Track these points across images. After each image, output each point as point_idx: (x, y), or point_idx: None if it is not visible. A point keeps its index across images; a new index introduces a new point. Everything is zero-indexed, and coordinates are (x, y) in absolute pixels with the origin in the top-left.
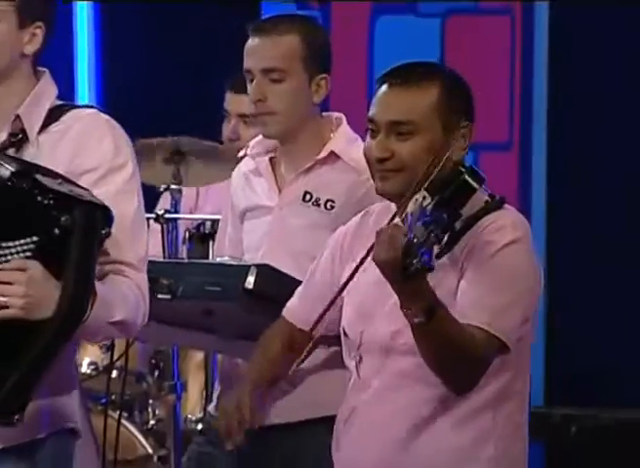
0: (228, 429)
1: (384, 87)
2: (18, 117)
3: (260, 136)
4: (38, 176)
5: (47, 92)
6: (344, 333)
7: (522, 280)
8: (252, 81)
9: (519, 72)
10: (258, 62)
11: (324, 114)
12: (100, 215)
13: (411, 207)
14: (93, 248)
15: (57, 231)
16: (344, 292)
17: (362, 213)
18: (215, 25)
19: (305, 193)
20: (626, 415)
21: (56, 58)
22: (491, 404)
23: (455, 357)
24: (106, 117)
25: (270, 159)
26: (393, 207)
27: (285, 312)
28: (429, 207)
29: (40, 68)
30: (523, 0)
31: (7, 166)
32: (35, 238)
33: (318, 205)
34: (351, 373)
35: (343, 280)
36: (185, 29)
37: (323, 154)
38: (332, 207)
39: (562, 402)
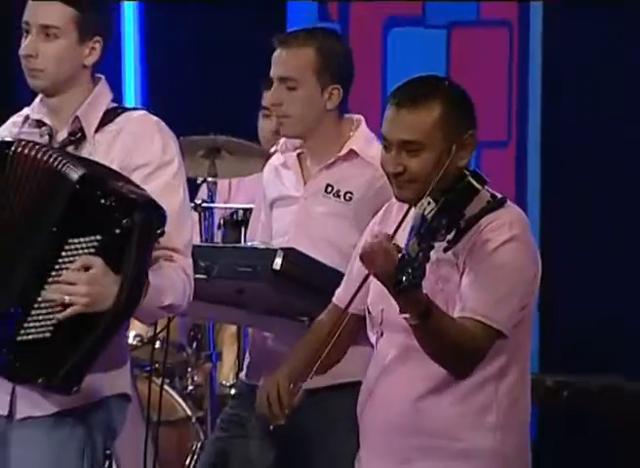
0: (271, 413)
1: (393, 107)
2: (77, 118)
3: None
4: (102, 180)
5: (103, 96)
6: (368, 311)
7: (518, 274)
8: (269, 88)
9: (516, 78)
10: (276, 71)
11: (345, 116)
12: (156, 217)
13: (416, 211)
14: (149, 246)
15: (118, 231)
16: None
17: (387, 204)
18: (243, 26)
19: (327, 185)
20: (612, 382)
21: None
22: (492, 379)
23: (452, 351)
24: (156, 118)
25: (298, 155)
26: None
27: (334, 297)
28: (433, 212)
29: (97, 75)
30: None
31: (75, 169)
32: (99, 236)
33: (338, 196)
34: (374, 347)
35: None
36: (222, 30)
37: (344, 151)
38: (350, 198)
39: (554, 369)
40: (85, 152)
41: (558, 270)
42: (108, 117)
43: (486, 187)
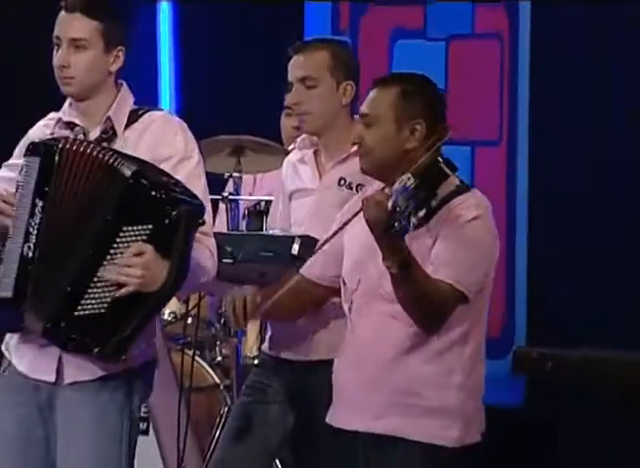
0: (235, 317)
1: None
2: (108, 118)
3: (305, 134)
4: (152, 175)
5: (127, 98)
6: (344, 282)
7: (483, 247)
8: (289, 91)
9: (507, 84)
10: (295, 73)
11: (355, 116)
12: (198, 209)
13: (397, 185)
14: (192, 235)
15: (167, 221)
16: (345, 253)
17: (360, 193)
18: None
19: (340, 179)
20: (593, 354)
21: (141, 64)
22: (457, 343)
23: (424, 302)
24: (177, 118)
25: (314, 151)
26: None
27: (304, 271)
28: (412, 186)
29: (119, 81)
30: None
31: (128, 165)
32: (150, 226)
33: (351, 188)
34: (347, 316)
35: (348, 253)
36: (247, 33)
37: (355, 148)
38: (359, 188)
39: (540, 342)
40: (117, 147)
41: (545, 253)
42: (133, 117)
43: (456, 173)
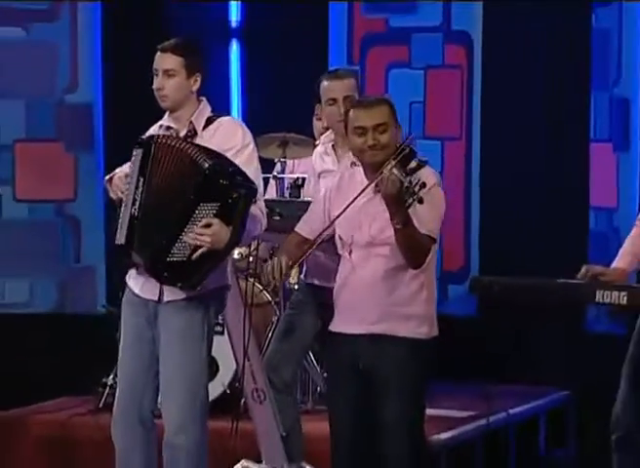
0: (272, 275)
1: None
2: (191, 123)
3: (328, 133)
4: (222, 167)
5: (205, 109)
6: (340, 238)
7: (441, 206)
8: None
9: (466, 98)
10: (333, 95)
11: None
12: (252, 192)
13: (387, 168)
14: (248, 209)
15: (230, 201)
16: (339, 217)
17: (338, 176)
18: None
19: (352, 163)
20: (527, 281)
21: (219, 83)
22: (422, 270)
23: (416, 247)
24: (237, 120)
25: (332, 145)
26: (356, 171)
27: (297, 228)
28: (398, 166)
29: (201, 97)
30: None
31: (205, 159)
32: (218, 204)
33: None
34: (344, 259)
35: (337, 211)
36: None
37: None
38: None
39: (489, 272)
40: (197, 142)
41: (492, 214)
42: (209, 121)
43: (417, 156)
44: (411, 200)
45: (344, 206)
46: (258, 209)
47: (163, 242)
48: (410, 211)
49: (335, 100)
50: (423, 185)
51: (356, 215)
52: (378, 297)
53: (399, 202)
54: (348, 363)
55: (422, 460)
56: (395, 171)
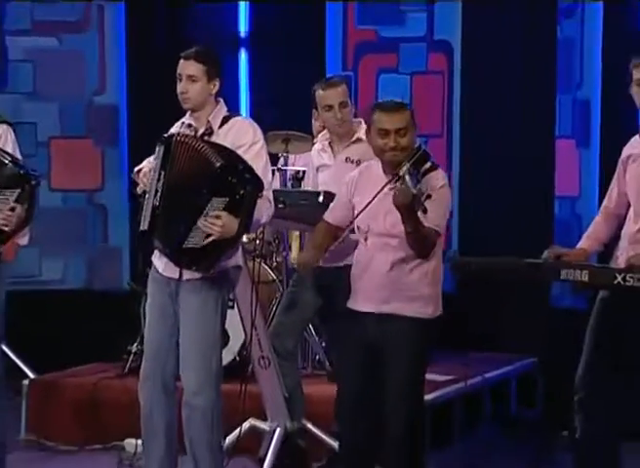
0: (303, 261)
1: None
2: (209, 121)
3: (324, 132)
4: (232, 165)
5: (221, 109)
6: (357, 227)
7: (448, 205)
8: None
9: (447, 100)
10: (329, 102)
11: (354, 119)
12: (259, 187)
13: (403, 169)
14: (254, 202)
15: (237, 196)
16: (358, 209)
17: (360, 167)
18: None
19: (346, 158)
20: (499, 260)
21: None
22: (430, 259)
23: (425, 243)
24: (249, 120)
25: (329, 143)
26: (374, 165)
27: (325, 217)
28: (412, 169)
29: (218, 98)
30: None
31: (217, 158)
32: (227, 198)
33: (352, 162)
34: (360, 245)
35: (360, 205)
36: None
37: (354, 138)
38: (359, 163)
39: (467, 253)
40: (213, 139)
41: (469, 202)
42: (224, 120)
43: (431, 158)
44: (417, 208)
45: (366, 200)
46: (266, 199)
47: (180, 231)
48: (423, 216)
49: (331, 107)
50: (429, 196)
51: (374, 207)
52: (387, 282)
53: (410, 210)
54: (359, 336)
55: (420, 424)
56: (407, 178)
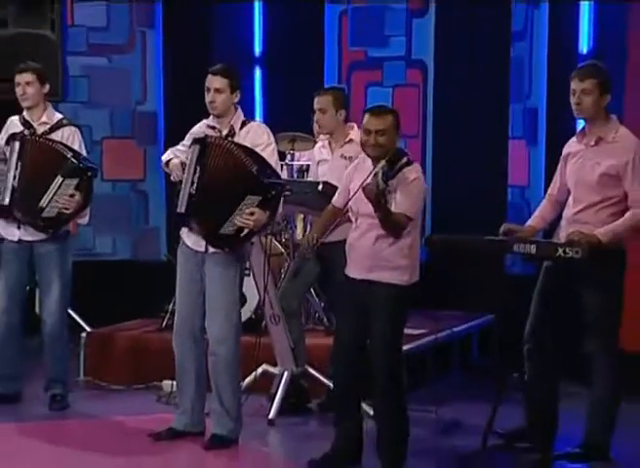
0: (306, 243)
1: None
2: (231, 125)
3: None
4: (264, 170)
5: (240, 115)
6: (350, 209)
7: (419, 192)
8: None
9: (422, 107)
10: (318, 106)
11: (347, 124)
12: (284, 188)
13: (378, 167)
14: (280, 200)
15: (269, 196)
16: (351, 194)
17: (358, 159)
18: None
19: (342, 154)
20: (465, 237)
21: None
22: (404, 236)
23: (395, 226)
24: (263, 124)
25: (328, 142)
26: (367, 159)
27: (333, 201)
28: (386, 167)
29: (237, 106)
30: None
31: (253, 163)
32: (260, 197)
33: (346, 158)
34: (354, 224)
35: (353, 192)
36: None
37: (347, 139)
38: (351, 159)
39: (438, 231)
40: (236, 139)
41: (441, 192)
42: (244, 124)
43: (407, 156)
44: (384, 201)
45: (355, 188)
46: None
47: (216, 218)
48: (392, 198)
49: (314, 111)
50: (394, 174)
51: (361, 193)
52: (371, 254)
53: (377, 202)
54: (351, 297)
55: (399, 369)
56: (380, 175)
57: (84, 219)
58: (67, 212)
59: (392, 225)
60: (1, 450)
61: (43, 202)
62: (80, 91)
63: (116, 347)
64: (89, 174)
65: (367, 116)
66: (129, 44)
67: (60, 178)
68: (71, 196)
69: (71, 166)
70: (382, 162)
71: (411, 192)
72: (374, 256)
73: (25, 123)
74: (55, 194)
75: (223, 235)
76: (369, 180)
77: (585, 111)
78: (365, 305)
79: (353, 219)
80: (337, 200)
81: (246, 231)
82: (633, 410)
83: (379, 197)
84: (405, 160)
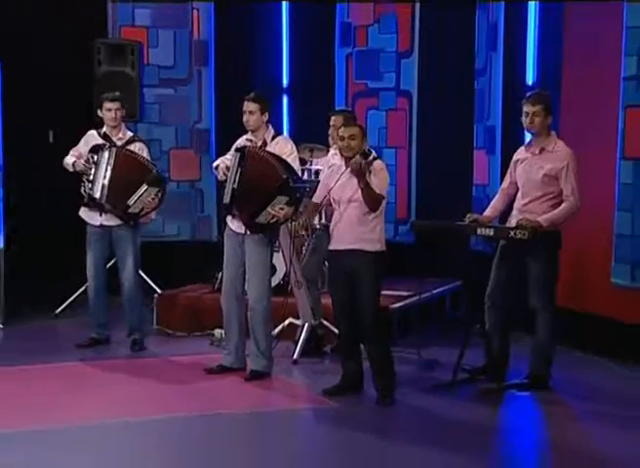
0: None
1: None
2: (264, 138)
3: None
4: (291, 176)
5: (270, 131)
6: (333, 198)
7: (385, 178)
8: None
9: (408, 126)
10: (333, 123)
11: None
12: (307, 191)
13: (355, 158)
14: (302, 199)
15: (296, 197)
16: (332, 185)
17: (333, 167)
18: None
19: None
20: (442, 223)
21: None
22: (374, 217)
23: (372, 200)
24: (288, 138)
25: (339, 150)
26: (342, 162)
27: (314, 198)
28: (361, 157)
29: (269, 123)
30: None
31: (282, 170)
32: (288, 197)
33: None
34: (336, 210)
35: (332, 184)
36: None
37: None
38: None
39: (421, 218)
40: (267, 148)
41: (424, 185)
42: (273, 137)
43: (373, 153)
44: (365, 171)
45: (334, 181)
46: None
47: (253, 210)
48: (369, 181)
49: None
50: (370, 164)
51: (341, 186)
52: (353, 229)
53: (360, 173)
54: (338, 266)
55: (381, 320)
56: (358, 158)
57: (153, 214)
58: (146, 210)
59: (371, 196)
60: (95, 380)
61: (130, 201)
62: (153, 113)
63: (179, 304)
64: (165, 184)
65: (342, 127)
66: (189, 78)
67: (145, 186)
68: (152, 199)
69: (154, 177)
70: (357, 156)
71: (382, 177)
72: (355, 231)
73: (105, 137)
74: (140, 197)
75: (259, 224)
76: (352, 161)
77: (536, 128)
78: (349, 269)
79: (336, 207)
80: (315, 196)
81: (275, 220)
82: (565, 351)
83: (363, 168)
84: (373, 155)
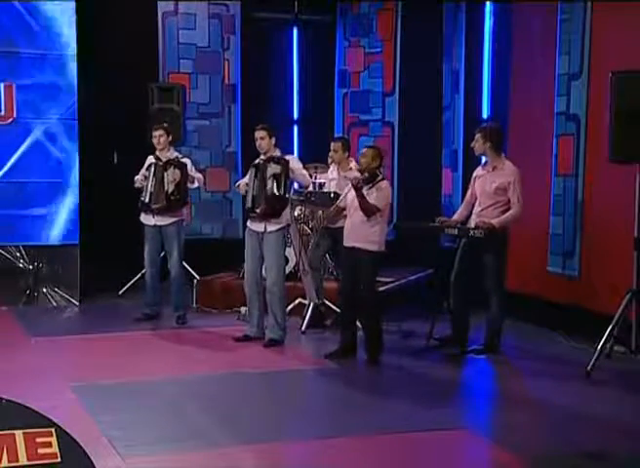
0: (325, 218)
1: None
2: (272, 157)
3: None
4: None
5: (278, 152)
6: (347, 206)
7: (387, 197)
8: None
9: (391, 150)
10: (334, 148)
11: (349, 158)
12: (334, 197)
13: (354, 177)
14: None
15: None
16: (345, 198)
17: (332, 176)
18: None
19: (344, 176)
20: (418, 224)
21: (284, 142)
22: (376, 220)
23: (368, 208)
24: (296, 156)
25: (337, 168)
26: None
27: (337, 203)
28: (362, 177)
29: (276, 147)
30: None
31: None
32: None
33: (347, 179)
34: (348, 214)
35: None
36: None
37: (349, 167)
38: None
39: (402, 220)
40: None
41: (406, 194)
42: (280, 156)
43: (381, 173)
44: (360, 187)
45: (345, 192)
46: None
47: (270, 211)
48: (371, 196)
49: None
50: (376, 183)
51: (350, 196)
52: (357, 230)
53: (356, 187)
54: (347, 258)
55: (376, 303)
56: (358, 175)
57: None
58: (182, 186)
59: (365, 206)
60: (148, 347)
61: (166, 189)
62: (193, 139)
63: (214, 287)
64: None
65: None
66: (221, 113)
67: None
68: (175, 178)
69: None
70: (359, 174)
71: (382, 194)
72: (359, 232)
73: (157, 158)
74: (168, 179)
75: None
76: (352, 178)
77: (477, 151)
78: (354, 263)
79: (348, 211)
80: (339, 202)
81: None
82: (512, 324)
83: (359, 184)
84: (380, 177)
